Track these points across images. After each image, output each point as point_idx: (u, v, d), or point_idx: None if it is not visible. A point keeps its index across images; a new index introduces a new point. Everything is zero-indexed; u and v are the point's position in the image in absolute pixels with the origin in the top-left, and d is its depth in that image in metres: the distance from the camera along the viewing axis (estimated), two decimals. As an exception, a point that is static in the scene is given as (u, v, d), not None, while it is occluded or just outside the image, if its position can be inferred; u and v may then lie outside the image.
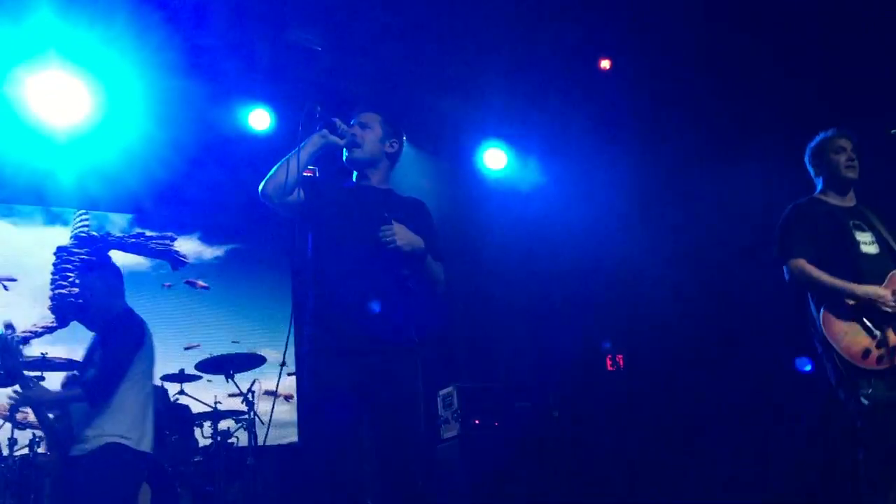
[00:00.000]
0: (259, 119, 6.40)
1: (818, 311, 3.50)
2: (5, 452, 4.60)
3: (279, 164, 2.97)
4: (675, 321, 6.32)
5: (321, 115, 3.06)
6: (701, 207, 6.28)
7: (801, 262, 3.54)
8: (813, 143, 3.85)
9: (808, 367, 5.42)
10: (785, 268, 3.61)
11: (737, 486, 5.76)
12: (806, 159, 3.88)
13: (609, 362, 6.76)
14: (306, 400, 2.96)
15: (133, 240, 7.07)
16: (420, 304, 3.09)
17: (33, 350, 5.75)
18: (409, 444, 2.85)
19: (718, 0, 5.69)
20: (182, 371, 5.36)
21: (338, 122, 3.08)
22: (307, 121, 3.03)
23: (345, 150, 3.14)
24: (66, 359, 5.09)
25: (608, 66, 6.62)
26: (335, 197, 3.09)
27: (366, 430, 2.86)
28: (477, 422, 5.65)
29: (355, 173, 3.21)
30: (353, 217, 3.02)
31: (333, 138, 3.07)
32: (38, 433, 4.83)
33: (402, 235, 2.92)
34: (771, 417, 5.73)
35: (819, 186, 3.82)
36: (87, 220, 6.95)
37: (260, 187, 2.97)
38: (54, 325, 6.59)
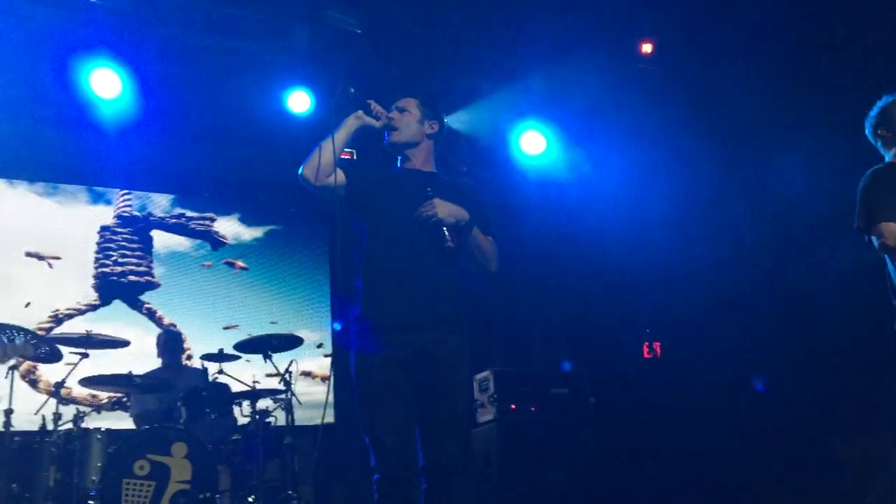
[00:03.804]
0: (298, 101, 6.41)
1: None
2: (50, 427, 4.70)
3: (316, 146, 2.98)
4: (715, 308, 6.24)
5: (355, 96, 3.05)
6: (747, 194, 6.18)
7: (893, 226, 3.17)
8: (875, 111, 3.55)
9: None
10: (872, 236, 3.26)
11: (771, 476, 5.70)
12: (869, 130, 3.58)
13: (646, 350, 6.71)
14: (351, 379, 2.97)
15: (174, 220, 7.16)
16: (470, 283, 3.10)
17: (77, 327, 5.89)
18: (452, 423, 2.87)
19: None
20: (221, 350, 5.42)
21: (372, 103, 3.08)
22: (341, 102, 3.03)
23: (385, 134, 3.14)
24: (108, 336, 5.16)
25: (650, 51, 6.51)
26: (379, 180, 3.10)
27: (412, 407, 2.88)
28: (513, 406, 5.64)
29: (399, 158, 3.21)
30: (397, 199, 3.02)
31: (369, 119, 3.08)
32: (83, 408, 4.94)
33: (442, 208, 2.92)
34: (808, 410, 5.64)
35: (888, 157, 3.51)
36: (129, 199, 7.06)
37: (299, 170, 2.98)
38: (97, 302, 6.71)
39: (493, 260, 3.10)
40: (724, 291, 6.22)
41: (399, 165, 3.22)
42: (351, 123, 3.05)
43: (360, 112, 3.07)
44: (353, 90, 3.05)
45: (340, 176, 3.01)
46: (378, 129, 3.12)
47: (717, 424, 6.15)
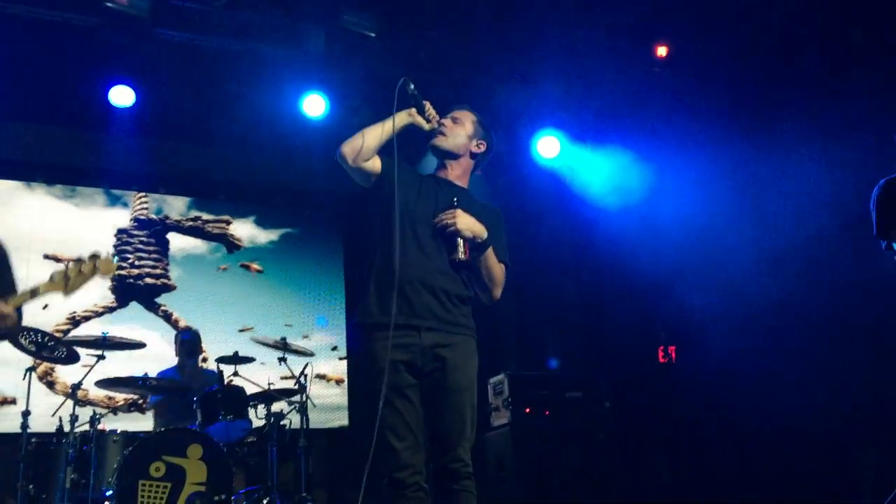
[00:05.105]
0: (313, 105, 6.44)
1: None
2: (67, 429, 4.73)
3: (364, 129, 2.98)
4: (730, 312, 6.20)
5: (413, 93, 3.06)
6: (762, 199, 6.14)
7: None
8: None
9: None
10: (891, 244, 3.49)
11: (784, 481, 5.65)
12: None
13: (661, 354, 6.67)
14: (359, 378, 2.96)
15: (190, 223, 7.20)
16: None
17: (94, 329, 5.93)
18: (461, 427, 2.85)
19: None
20: (237, 353, 5.45)
21: (427, 105, 3.09)
22: (400, 96, 3.03)
23: (432, 135, 3.14)
24: (124, 338, 5.19)
25: (665, 54, 6.49)
26: (411, 179, 3.09)
27: (421, 411, 2.87)
28: (528, 410, 5.63)
29: (437, 165, 3.21)
30: (422, 201, 3.02)
31: (419, 119, 3.09)
32: (99, 410, 4.98)
33: (463, 220, 2.92)
34: (826, 416, 5.59)
35: None
36: (146, 202, 7.10)
37: (338, 149, 2.98)
38: (114, 305, 6.76)
39: (499, 288, 3.08)
40: (739, 295, 6.18)
41: (434, 172, 3.22)
42: (401, 118, 3.05)
43: (413, 110, 3.08)
44: (412, 87, 3.06)
45: (377, 163, 3.01)
46: (426, 132, 3.13)
47: (733, 430, 6.11)
